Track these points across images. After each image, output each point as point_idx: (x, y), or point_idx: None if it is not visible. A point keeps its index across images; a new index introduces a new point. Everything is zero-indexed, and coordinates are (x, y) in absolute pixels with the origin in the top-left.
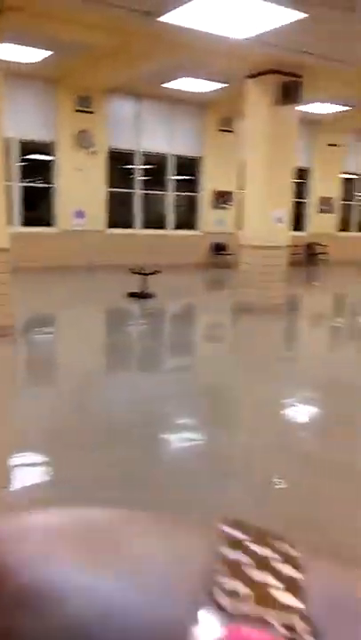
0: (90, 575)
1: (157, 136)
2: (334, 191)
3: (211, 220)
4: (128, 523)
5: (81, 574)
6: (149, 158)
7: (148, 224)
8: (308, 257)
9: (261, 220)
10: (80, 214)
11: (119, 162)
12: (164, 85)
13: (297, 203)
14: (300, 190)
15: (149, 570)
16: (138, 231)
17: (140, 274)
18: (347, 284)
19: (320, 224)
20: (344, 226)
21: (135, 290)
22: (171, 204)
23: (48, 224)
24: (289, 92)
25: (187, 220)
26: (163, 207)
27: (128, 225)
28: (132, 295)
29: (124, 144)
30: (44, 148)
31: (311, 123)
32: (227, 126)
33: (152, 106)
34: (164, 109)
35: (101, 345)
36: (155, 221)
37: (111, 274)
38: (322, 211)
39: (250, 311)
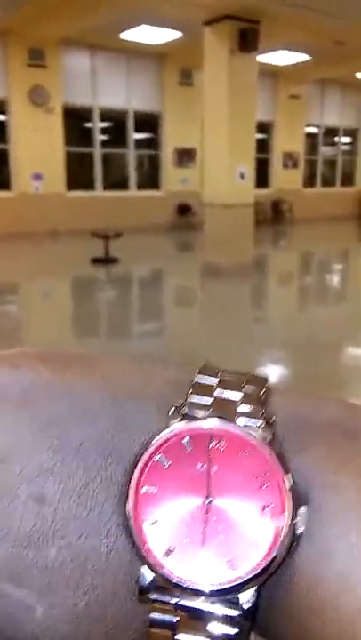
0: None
1: (116, 91)
2: (298, 145)
3: (175, 179)
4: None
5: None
6: (108, 115)
7: (110, 185)
8: (274, 215)
9: (223, 177)
10: (37, 177)
11: (77, 119)
12: (121, 36)
13: (260, 158)
14: (263, 145)
15: (121, 380)
16: (99, 193)
17: (102, 237)
18: (314, 241)
19: (285, 180)
20: (309, 182)
21: (99, 255)
22: (132, 164)
23: (3, 187)
24: (247, 39)
25: (150, 180)
26: (124, 167)
27: (89, 187)
28: (96, 261)
29: (80, 100)
30: None
31: (272, 74)
32: (187, 79)
33: (109, 58)
34: (121, 62)
35: (67, 314)
36: (116, 182)
37: (73, 239)
38: (286, 166)
39: (216, 273)
